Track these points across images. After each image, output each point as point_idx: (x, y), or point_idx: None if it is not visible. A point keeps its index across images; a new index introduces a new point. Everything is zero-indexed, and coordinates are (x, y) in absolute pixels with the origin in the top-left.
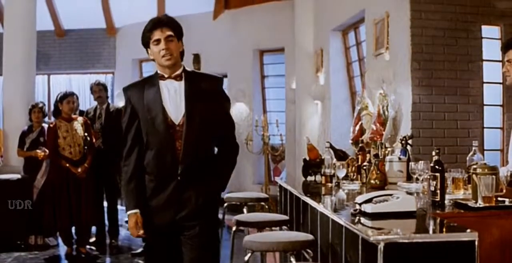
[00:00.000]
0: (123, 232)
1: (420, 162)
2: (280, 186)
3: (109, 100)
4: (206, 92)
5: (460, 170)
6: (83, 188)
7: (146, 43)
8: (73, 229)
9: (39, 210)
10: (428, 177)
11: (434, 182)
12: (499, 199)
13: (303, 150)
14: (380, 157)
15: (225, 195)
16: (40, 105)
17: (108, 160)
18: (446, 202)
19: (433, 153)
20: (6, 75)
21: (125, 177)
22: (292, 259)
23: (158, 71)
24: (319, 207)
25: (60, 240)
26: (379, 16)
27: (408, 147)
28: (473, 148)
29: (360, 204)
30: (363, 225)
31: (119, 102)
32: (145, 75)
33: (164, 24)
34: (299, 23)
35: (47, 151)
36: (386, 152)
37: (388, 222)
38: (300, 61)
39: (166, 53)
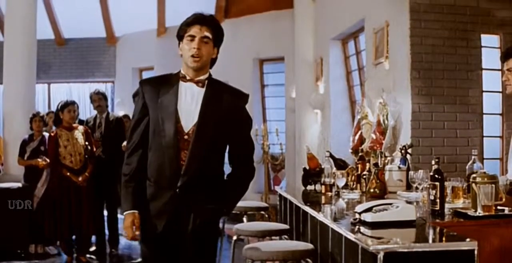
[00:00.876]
0: (123, 241)
1: (419, 171)
2: (280, 195)
3: (109, 109)
4: (226, 106)
5: (459, 179)
6: (83, 196)
7: (180, 36)
8: (73, 237)
9: (40, 218)
10: (428, 186)
11: (434, 191)
12: (498, 207)
13: (303, 159)
14: (380, 166)
15: None
16: (41, 114)
17: (108, 169)
18: (445, 211)
19: (433, 162)
20: (7, 84)
21: (126, 176)
22: None
23: (181, 71)
24: (319, 216)
25: (60, 248)
26: (379, 25)
27: (408, 156)
28: (473, 157)
29: (359, 213)
30: (362, 234)
31: (120, 111)
32: None
33: (206, 23)
34: (299, 32)
35: (47, 159)
36: (386, 161)
37: (387, 231)
38: (300, 70)
39: (196, 54)
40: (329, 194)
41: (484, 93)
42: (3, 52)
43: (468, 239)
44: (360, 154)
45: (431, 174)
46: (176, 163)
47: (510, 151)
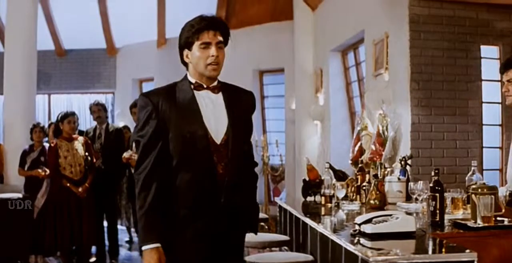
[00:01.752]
0: (123, 252)
1: (419, 182)
2: (280, 206)
3: (109, 120)
4: (245, 107)
5: (459, 190)
6: (83, 207)
7: (188, 43)
8: (73, 248)
9: (40, 229)
10: (428, 197)
11: (434, 202)
12: (498, 218)
13: (302, 170)
14: (380, 177)
15: None
16: (41, 124)
17: (108, 180)
18: (445, 222)
19: (432, 173)
20: (7, 95)
21: (145, 206)
22: None
23: (191, 79)
24: (319, 228)
25: (60, 259)
26: (379, 37)
27: (408, 167)
28: (472, 168)
29: (359, 225)
30: (362, 245)
31: (120, 122)
32: None
33: (218, 27)
34: (299, 43)
35: (47, 170)
36: (386, 172)
37: (387, 243)
38: (299, 82)
39: (214, 62)
40: (329, 205)
41: (483, 104)
42: (3, 63)
43: (468, 250)
44: (360, 165)
45: (431, 185)
46: (214, 178)
47: (509, 161)
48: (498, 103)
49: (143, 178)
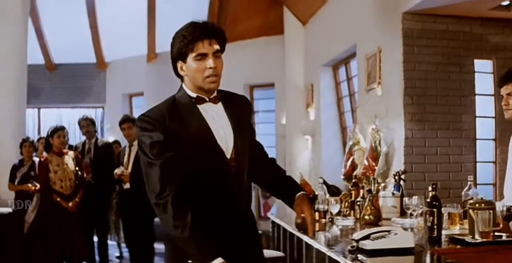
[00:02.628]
0: None
1: (414, 197)
2: (273, 222)
3: (98, 135)
4: (244, 114)
5: (455, 205)
6: (74, 222)
7: (182, 54)
8: None
9: (30, 244)
10: (425, 212)
11: (431, 218)
12: (496, 234)
13: None
14: (374, 192)
15: None
16: (31, 139)
17: (98, 195)
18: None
19: (430, 188)
20: None
21: (186, 225)
22: None
23: (190, 93)
24: (315, 244)
25: None
26: (371, 51)
27: (401, 182)
28: (468, 183)
29: (357, 241)
30: (361, 262)
31: (109, 137)
32: (135, 110)
33: (213, 35)
34: (290, 58)
35: (38, 185)
36: (379, 187)
37: (386, 259)
38: (290, 97)
39: (213, 74)
40: (323, 220)
41: (477, 119)
42: None
43: None
44: (353, 180)
45: (428, 200)
46: (231, 197)
47: (507, 176)
48: (492, 117)
49: (173, 208)
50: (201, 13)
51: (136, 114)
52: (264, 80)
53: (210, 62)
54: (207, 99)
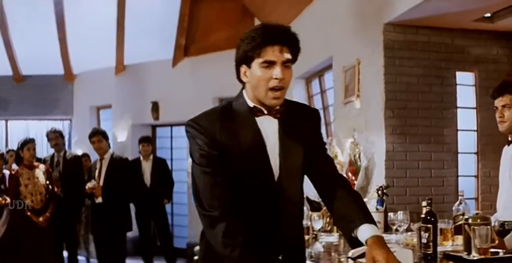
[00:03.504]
0: None
1: (399, 212)
2: None
3: (66, 148)
4: (304, 134)
5: (446, 220)
6: (44, 237)
7: (247, 58)
8: None
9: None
10: (419, 228)
11: (427, 234)
12: (492, 250)
13: None
14: None
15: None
16: (1, 152)
17: (68, 209)
18: None
19: (425, 203)
20: None
21: (238, 245)
22: None
23: (249, 102)
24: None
25: None
26: (350, 63)
27: (384, 197)
28: (459, 198)
29: (354, 259)
30: None
31: (77, 149)
32: (102, 123)
33: (286, 42)
34: None
35: (8, 198)
36: None
37: None
38: None
39: (279, 86)
40: (306, 237)
41: (459, 132)
42: None
43: None
44: None
45: (423, 215)
46: (276, 224)
47: (500, 190)
48: (474, 130)
49: (221, 215)
50: (171, 25)
51: (103, 127)
52: (235, 93)
53: (277, 71)
54: (266, 112)
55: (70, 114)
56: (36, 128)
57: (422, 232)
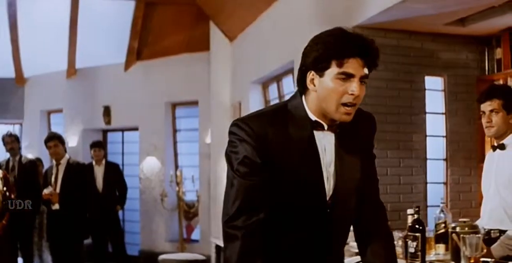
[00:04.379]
0: None
1: None
2: (217, 246)
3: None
4: (360, 145)
5: (428, 229)
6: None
7: (320, 65)
8: None
9: None
10: (405, 236)
11: (414, 243)
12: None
13: (218, 206)
14: None
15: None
16: None
17: (22, 216)
18: None
19: (412, 211)
20: None
21: None
22: None
23: (310, 115)
24: None
25: None
26: None
27: None
28: (440, 205)
29: None
30: None
31: (28, 154)
32: (53, 127)
33: (369, 57)
34: (216, 75)
35: None
36: None
37: None
38: (215, 115)
39: (352, 103)
40: None
41: (427, 138)
42: None
43: None
44: None
45: (410, 224)
46: (324, 245)
47: (484, 198)
48: (443, 136)
49: (243, 235)
50: (124, 29)
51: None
52: (188, 98)
53: (354, 87)
54: (326, 127)
55: (20, 118)
56: None
57: (410, 241)
